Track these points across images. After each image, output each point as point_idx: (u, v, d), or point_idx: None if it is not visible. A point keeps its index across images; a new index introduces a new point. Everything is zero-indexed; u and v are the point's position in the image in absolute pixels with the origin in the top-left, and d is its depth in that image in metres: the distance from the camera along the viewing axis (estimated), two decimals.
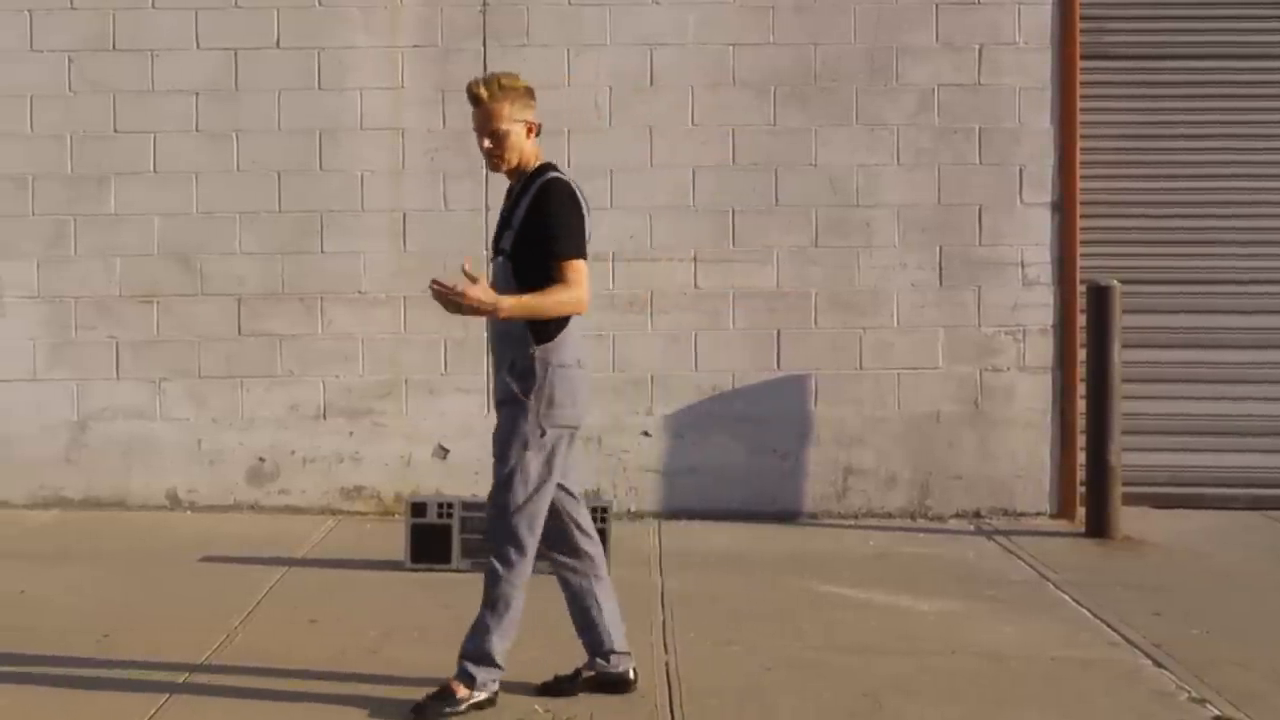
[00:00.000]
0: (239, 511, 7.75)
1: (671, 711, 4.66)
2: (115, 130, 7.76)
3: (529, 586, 4.65)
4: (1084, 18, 7.83)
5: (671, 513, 7.74)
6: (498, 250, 4.70)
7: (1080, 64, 7.81)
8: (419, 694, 4.60)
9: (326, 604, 5.91)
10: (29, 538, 7.18)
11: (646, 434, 7.79)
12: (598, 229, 7.56)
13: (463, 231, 7.56)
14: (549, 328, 4.56)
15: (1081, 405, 7.64)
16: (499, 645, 4.59)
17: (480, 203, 7.60)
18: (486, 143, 4.64)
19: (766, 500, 7.76)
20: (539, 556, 4.66)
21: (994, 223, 7.80)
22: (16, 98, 7.77)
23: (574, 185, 4.65)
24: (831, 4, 7.78)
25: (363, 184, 7.78)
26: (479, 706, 4.58)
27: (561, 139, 7.57)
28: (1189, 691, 4.91)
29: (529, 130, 4.66)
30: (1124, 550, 7.11)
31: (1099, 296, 7.31)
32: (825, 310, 7.80)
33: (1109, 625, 5.71)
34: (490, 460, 4.65)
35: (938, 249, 7.81)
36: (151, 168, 7.77)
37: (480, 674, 4.58)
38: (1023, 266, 7.80)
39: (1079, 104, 7.79)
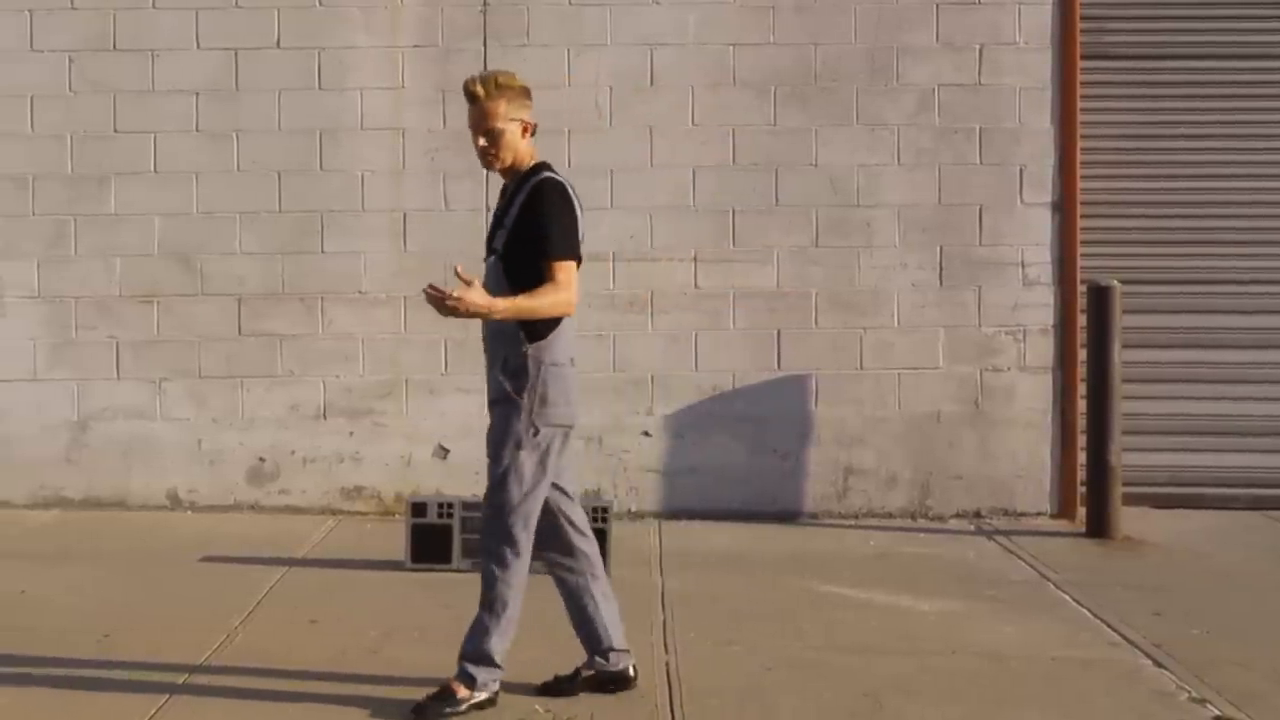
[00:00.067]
0: (239, 511, 7.75)
1: (672, 711, 4.66)
2: (116, 130, 7.76)
3: (528, 586, 4.65)
4: (1084, 18, 7.83)
5: (672, 513, 7.74)
6: (490, 249, 4.71)
7: (1080, 64, 7.81)
8: (419, 694, 4.60)
9: (327, 604, 5.91)
10: (29, 538, 7.18)
11: (647, 434, 7.79)
12: (598, 229, 7.62)
13: (463, 231, 7.56)
14: (541, 326, 4.56)
15: (1082, 405, 7.64)
16: (498, 645, 4.59)
17: (480, 203, 7.60)
18: (481, 141, 4.63)
19: (767, 500, 7.76)
20: (534, 557, 4.67)
21: (994, 223, 7.80)
22: (17, 98, 7.77)
23: (568, 185, 4.65)
24: (832, 4, 7.78)
25: (363, 184, 7.78)
26: (479, 707, 4.58)
27: (562, 139, 7.58)
28: (1189, 691, 4.91)
29: (524, 129, 4.66)
30: (1124, 550, 7.11)
31: (1099, 296, 7.31)
32: (826, 310, 7.80)
33: (1109, 625, 5.71)
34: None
35: (938, 249, 7.81)
36: (152, 168, 7.77)
37: (480, 674, 4.58)
38: (1023, 266, 7.80)
39: (1079, 104, 7.79)
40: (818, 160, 7.79)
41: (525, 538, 4.60)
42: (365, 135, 7.78)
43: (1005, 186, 7.80)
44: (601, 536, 6.24)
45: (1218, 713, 4.72)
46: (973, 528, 7.61)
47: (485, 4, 7.76)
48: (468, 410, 7.58)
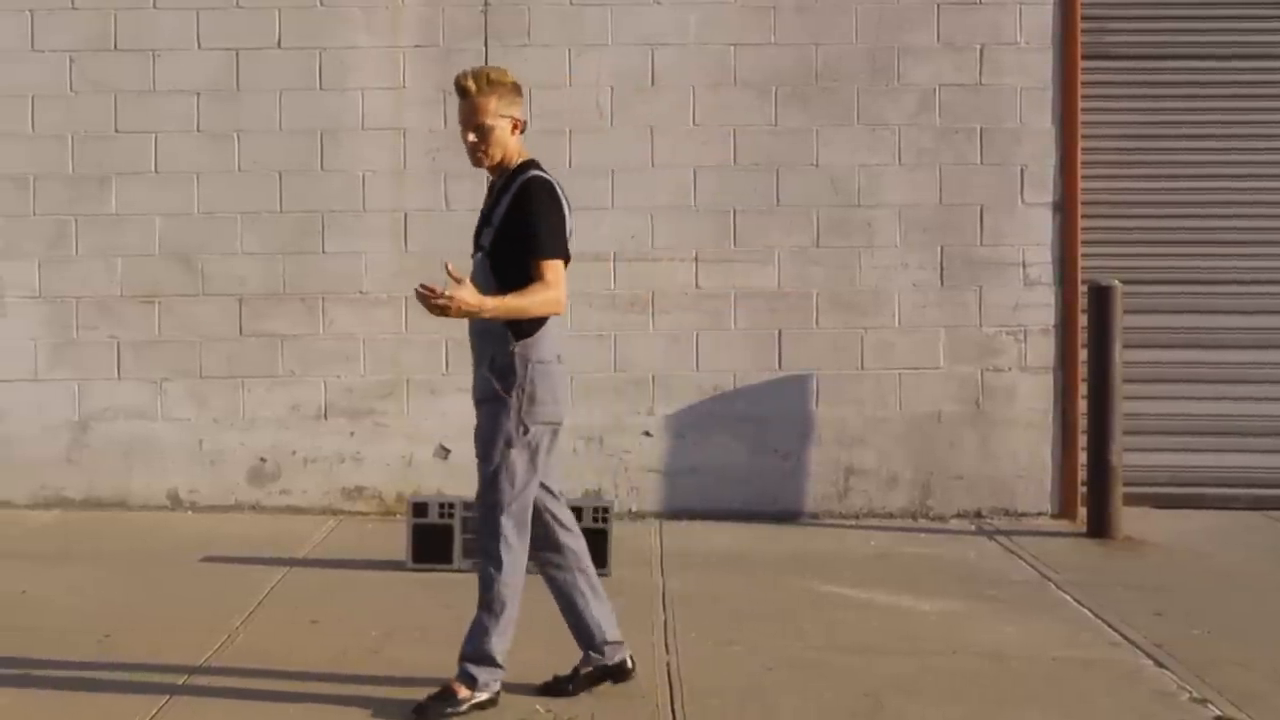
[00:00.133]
0: (240, 512, 7.75)
1: (673, 711, 4.66)
2: (116, 130, 7.76)
3: (526, 587, 4.65)
4: (1085, 18, 7.82)
5: (673, 513, 7.74)
6: (477, 246, 4.71)
7: (1081, 64, 7.81)
8: (421, 694, 4.60)
9: (328, 604, 5.91)
10: (30, 538, 7.18)
11: (648, 434, 7.79)
12: (599, 229, 7.65)
13: (464, 231, 7.42)
14: (528, 325, 4.55)
15: (1083, 405, 7.64)
16: (498, 645, 4.59)
17: (481, 203, 7.57)
18: (471, 136, 4.63)
19: (768, 500, 7.76)
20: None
21: (995, 223, 7.80)
22: (18, 98, 7.77)
23: (555, 184, 4.64)
24: (833, 4, 7.78)
25: (364, 184, 7.78)
26: (480, 707, 4.58)
27: (563, 139, 7.58)
28: (1190, 692, 4.91)
29: (514, 126, 4.65)
30: (1125, 550, 7.10)
31: (1100, 296, 7.30)
32: (826, 310, 7.80)
33: (1110, 625, 5.71)
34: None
35: (939, 249, 7.80)
36: (153, 168, 7.77)
37: (481, 675, 4.58)
38: (1024, 266, 7.80)
39: (1080, 104, 7.79)
40: (819, 160, 7.79)
41: (520, 536, 4.59)
42: (366, 135, 7.78)
43: (1006, 186, 7.80)
44: (602, 537, 6.25)
45: (1218, 713, 4.72)
46: (974, 528, 7.61)
47: (486, 4, 7.76)
48: (469, 410, 7.52)
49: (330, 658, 5.15)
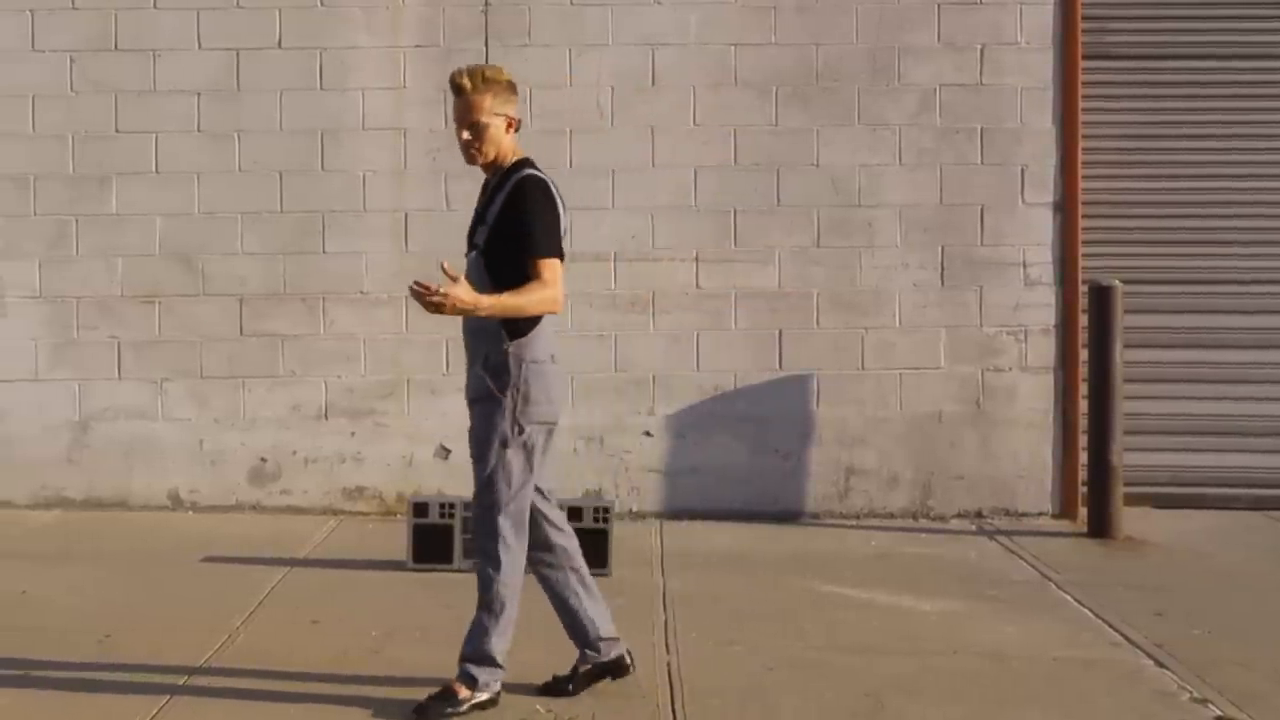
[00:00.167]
0: (241, 512, 7.75)
1: (673, 711, 4.66)
2: (117, 130, 7.76)
3: (525, 588, 4.65)
4: (1086, 18, 7.82)
5: (673, 513, 7.74)
6: (471, 244, 4.70)
7: (1082, 64, 7.81)
8: (421, 694, 4.60)
9: (328, 604, 5.91)
10: (31, 538, 7.18)
11: (648, 434, 7.79)
12: (599, 229, 7.65)
13: (464, 231, 7.42)
14: (522, 324, 4.54)
15: (1083, 405, 7.64)
16: (498, 645, 4.59)
17: None
18: (465, 134, 4.61)
19: (768, 500, 7.76)
20: None
21: (996, 223, 7.80)
22: (18, 98, 7.77)
23: (550, 183, 4.63)
24: (833, 4, 7.78)
25: (364, 184, 7.78)
26: (481, 707, 4.58)
27: (563, 139, 7.58)
28: (1191, 692, 4.91)
29: (509, 125, 4.64)
30: (1126, 550, 7.10)
31: (1101, 296, 7.30)
32: (827, 310, 7.80)
33: (1111, 625, 5.71)
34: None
35: (940, 249, 7.80)
36: (153, 168, 7.77)
37: (482, 675, 4.58)
38: (1024, 266, 7.80)
39: (1081, 104, 7.79)
40: (819, 160, 7.79)
41: (518, 536, 4.59)
42: (367, 135, 7.78)
43: (1007, 186, 7.80)
44: (603, 537, 6.26)
45: (1219, 713, 4.72)
46: (974, 528, 7.61)
47: (487, 4, 7.76)
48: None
49: (331, 658, 5.15)
